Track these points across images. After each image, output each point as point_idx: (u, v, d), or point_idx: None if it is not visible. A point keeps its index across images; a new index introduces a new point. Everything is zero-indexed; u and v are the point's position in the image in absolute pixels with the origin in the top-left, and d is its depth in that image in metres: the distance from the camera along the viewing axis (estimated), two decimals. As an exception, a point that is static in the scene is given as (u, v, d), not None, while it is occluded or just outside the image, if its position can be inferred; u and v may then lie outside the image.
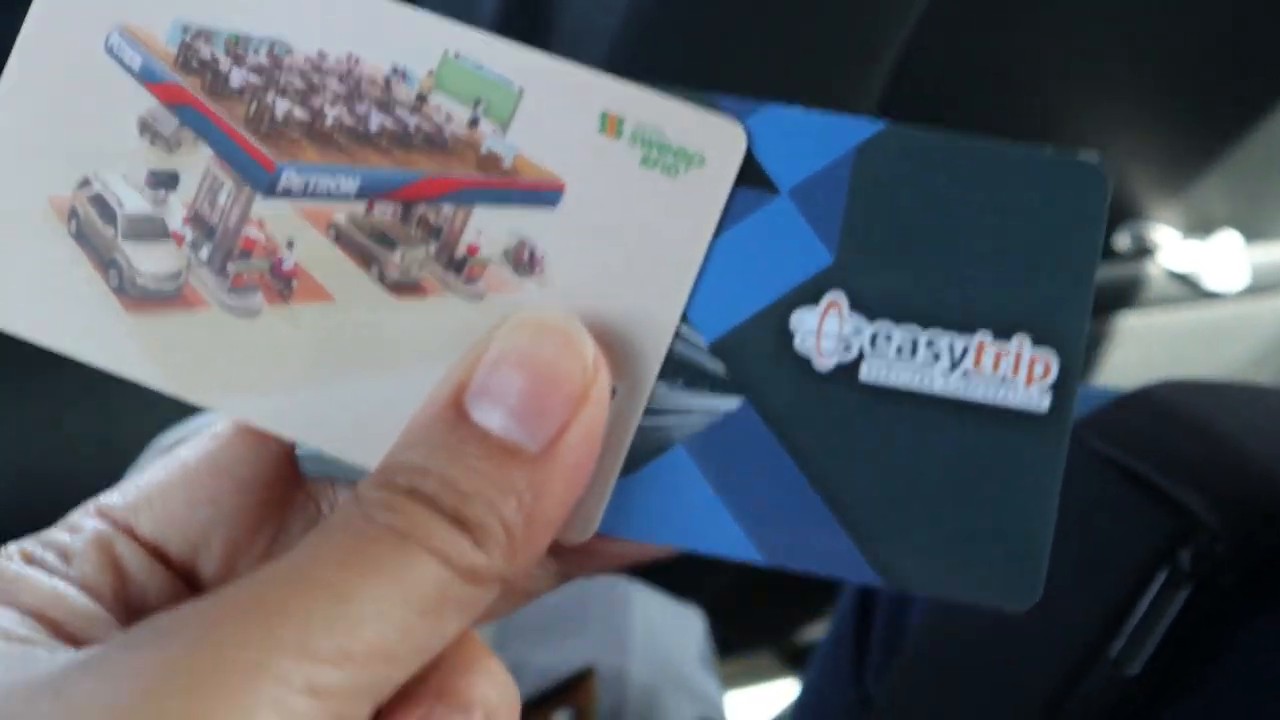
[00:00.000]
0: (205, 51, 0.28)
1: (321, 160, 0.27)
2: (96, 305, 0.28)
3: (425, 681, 0.24)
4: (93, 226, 0.28)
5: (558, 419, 0.25)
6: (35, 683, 0.22)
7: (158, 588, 0.27)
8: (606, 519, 0.27)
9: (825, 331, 0.27)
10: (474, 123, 0.27)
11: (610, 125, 0.27)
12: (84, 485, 0.70)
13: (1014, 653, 0.52)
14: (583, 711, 0.71)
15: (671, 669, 0.76)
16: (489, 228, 0.27)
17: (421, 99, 0.27)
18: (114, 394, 0.73)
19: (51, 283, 0.28)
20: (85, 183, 0.28)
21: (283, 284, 0.27)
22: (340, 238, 0.27)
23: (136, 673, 0.21)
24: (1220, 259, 1.14)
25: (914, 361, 0.27)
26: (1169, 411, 0.54)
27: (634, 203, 0.27)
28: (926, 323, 0.27)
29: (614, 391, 0.27)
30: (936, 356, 0.27)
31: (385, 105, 0.27)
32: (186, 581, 0.27)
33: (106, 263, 0.28)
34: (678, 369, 0.27)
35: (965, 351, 0.27)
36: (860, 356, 0.27)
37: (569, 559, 0.29)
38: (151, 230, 0.28)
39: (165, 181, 0.28)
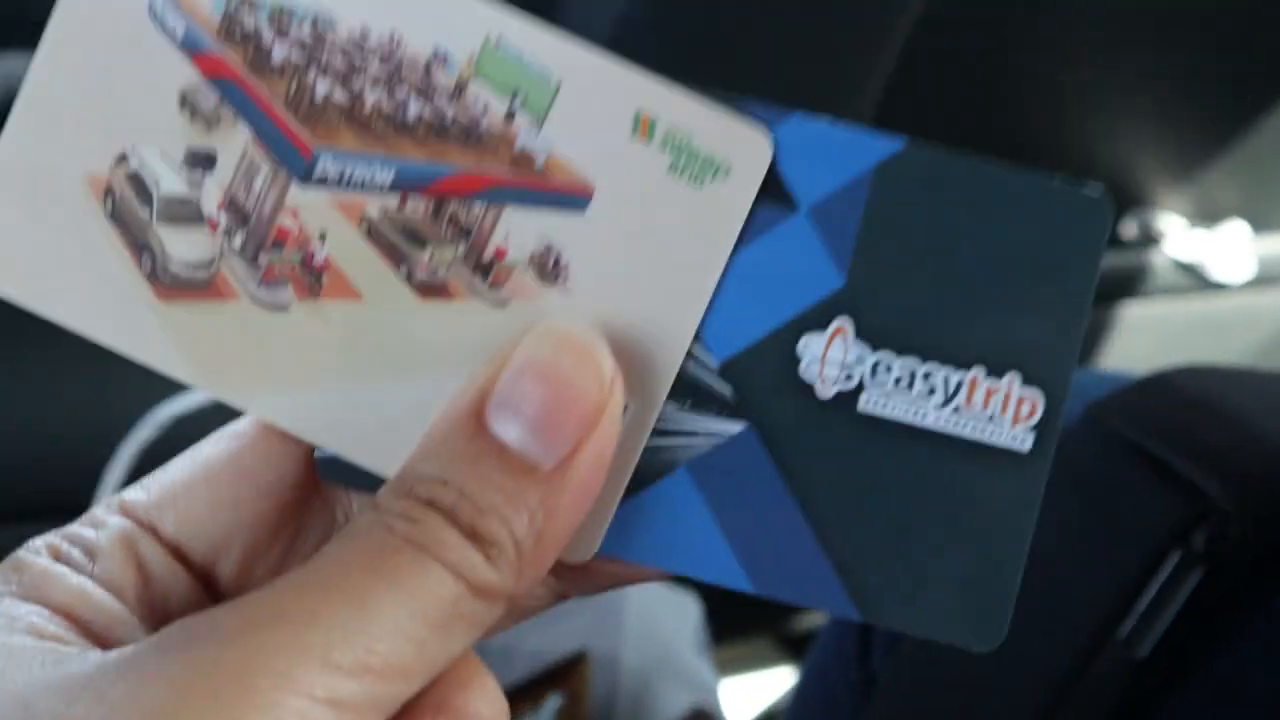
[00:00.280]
0: (249, 21, 0.27)
1: (358, 148, 0.27)
2: (127, 291, 0.27)
3: (425, 696, 0.24)
4: (129, 207, 0.27)
5: (573, 436, 0.25)
6: (72, 683, 0.22)
7: (178, 589, 0.27)
8: (607, 539, 0.27)
9: (829, 359, 0.27)
10: (510, 116, 0.27)
11: (643, 127, 0.27)
12: (81, 455, 0.70)
13: (1024, 633, 0.53)
14: (575, 695, 0.72)
15: (665, 654, 0.76)
16: (517, 230, 0.27)
17: (460, 87, 0.27)
18: (111, 365, 0.73)
19: (84, 265, 0.27)
20: (122, 158, 0.27)
21: (313, 278, 0.27)
22: (372, 232, 0.27)
23: (171, 677, 0.22)
24: (1227, 249, 1.14)
25: (910, 394, 0.27)
26: (1185, 394, 0.54)
27: (659, 212, 0.27)
28: (926, 355, 0.27)
29: (626, 409, 0.27)
30: (932, 390, 0.27)
31: (424, 92, 0.27)
32: (204, 584, 0.28)
33: (140, 246, 0.27)
34: (687, 389, 0.27)
35: (959, 387, 0.27)
36: (860, 386, 0.27)
37: (567, 577, 0.29)
38: (186, 214, 0.27)
39: (202, 161, 0.27)
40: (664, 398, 0.27)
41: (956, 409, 0.27)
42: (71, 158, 0.27)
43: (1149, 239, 1.11)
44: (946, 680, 0.55)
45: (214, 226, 0.27)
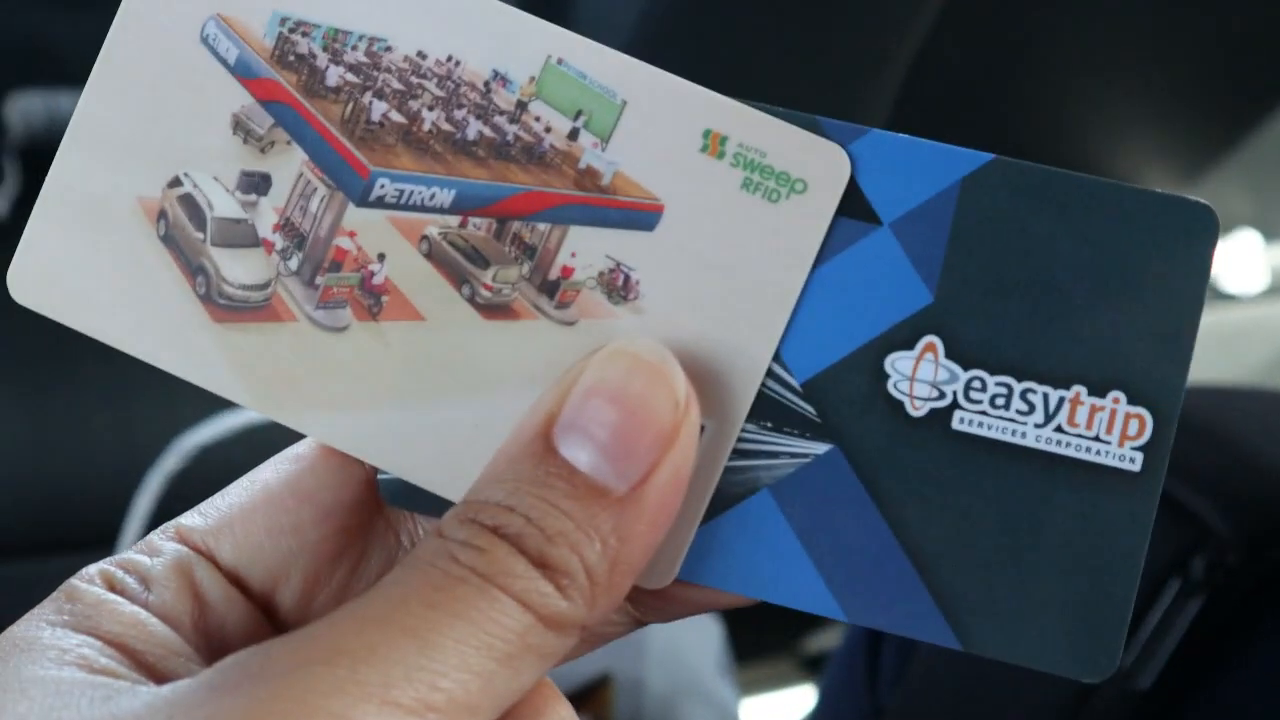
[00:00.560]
0: (303, 46, 0.27)
1: (417, 169, 0.27)
2: (182, 313, 0.27)
3: None
4: (182, 229, 0.27)
5: (647, 459, 0.24)
6: None
7: (236, 618, 0.26)
8: (687, 564, 0.26)
9: (919, 378, 0.26)
10: (574, 135, 0.26)
11: (713, 144, 0.26)
12: (109, 486, 0.70)
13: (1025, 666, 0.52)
14: (599, 719, 0.71)
15: (689, 678, 0.76)
16: (584, 249, 0.26)
17: (521, 106, 0.27)
18: (135, 394, 0.73)
19: (138, 288, 0.27)
20: (175, 182, 0.27)
21: (372, 299, 0.27)
22: (432, 253, 0.27)
23: (222, 716, 0.21)
24: (1239, 260, 1.14)
25: (1008, 411, 0.26)
26: (1182, 419, 0.54)
27: (733, 229, 0.26)
28: (1022, 374, 0.26)
29: (703, 430, 0.26)
30: (1031, 408, 0.26)
31: (484, 112, 0.27)
32: (264, 611, 0.27)
33: (194, 269, 0.27)
34: (767, 409, 0.26)
35: (1060, 404, 0.26)
36: (955, 404, 0.26)
37: (646, 604, 0.28)
38: (241, 236, 0.27)
39: (257, 185, 0.27)
40: (743, 418, 0.26)
41: (1059, 428, 0.26)
42: (123, 181, 0.27)
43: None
44: (952, 711, 0.55)
45: (270, 248, 0.27)
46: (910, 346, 0.26)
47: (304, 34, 0.27)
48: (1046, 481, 0.26)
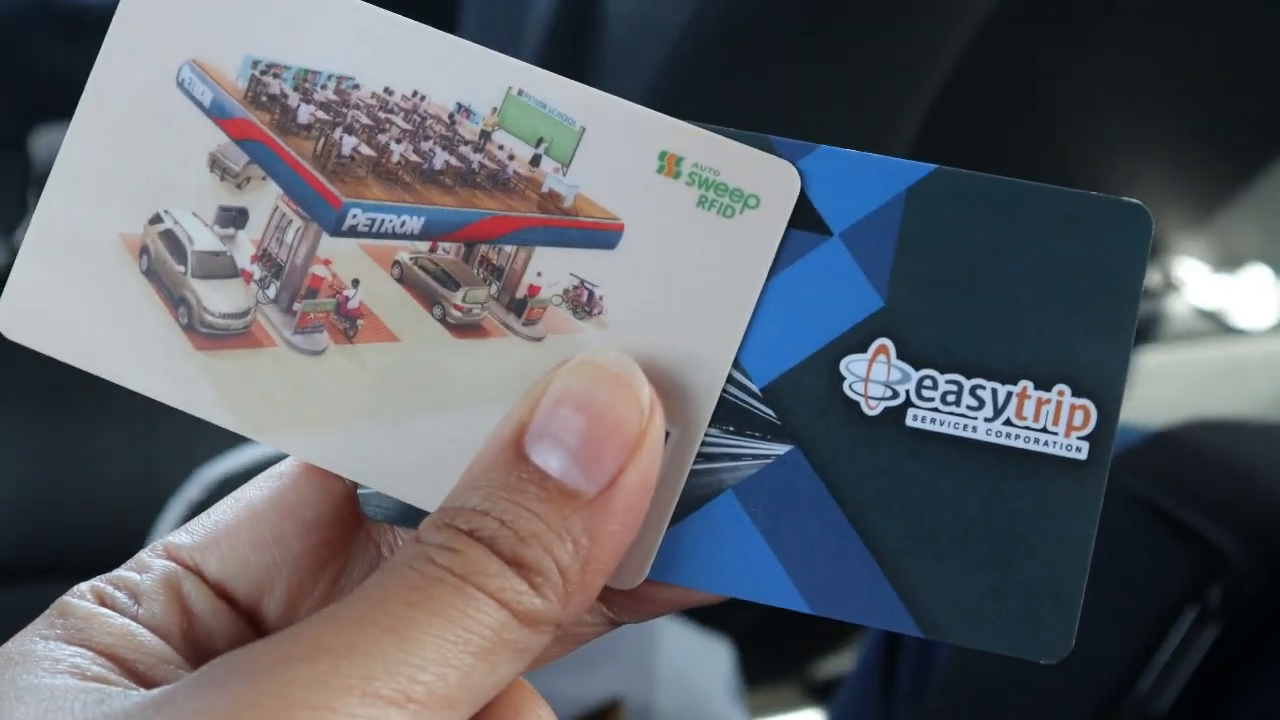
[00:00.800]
0: (275, 86, 0.28)
1: (387, 198, 0.28)
2: (166, 343, 0.28)
3: None
4: (163, 263, 0.28)
5: (614, 463, 0.25)
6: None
7: (224, 628, 0.27)
8: (657, 565, 0.27)
9: (873, 379, 0.27)
10: (536, 161, 0.28)
11: (669, 165, 0.28)
12: (128, 516, 0.71)
13: (1043, 689, 0.52)
14: (610, 744, 0.71)
15: (699, 702, 0.76)
16: (549, 268, 0.28)
17: (485, 136, 0.28)
18: (157, 426, 0.74)
19: (123, 320, 0.28)
20: (156, 219, 0.28)
21: (348, 323, 0.28)
22: (404, 277, 0.28)
23: (208, 711, 0.22)
24: (1249, 295, 1.14)
25: (958, 407, 0.27)
26: (1199, 451, 0.54)
27: (690, 244, 0.27)
28: (971, 372, 0.27)
29: (668, 435, 0.27)
30: (980, 403, 0.27)
31: (449, 142, 0.28)
32: (250, 622, 0.28)
33: (176, 300, 0.28)
34: (729, 414, 0.28)
35: (1009, 399, 0.27)
36: (907, 401, 0.27)
37: (618, 604, 0.29)
38: (221, 268, 0.28)
39: (235, 219, 0.28)
40: (706, 423, 0.27)
41: (1008, 421, 0.27)
42: (106, 219, 0.28)
43: (1170, 286, 1.11)
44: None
45: (248, 278, 0.28)
46: (864, 349, 0.27)
47: (275, 75, 0.28)
48: (998, 473, 0.27)
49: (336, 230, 0.28)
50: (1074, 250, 0.27)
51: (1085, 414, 0.27)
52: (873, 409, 0.27)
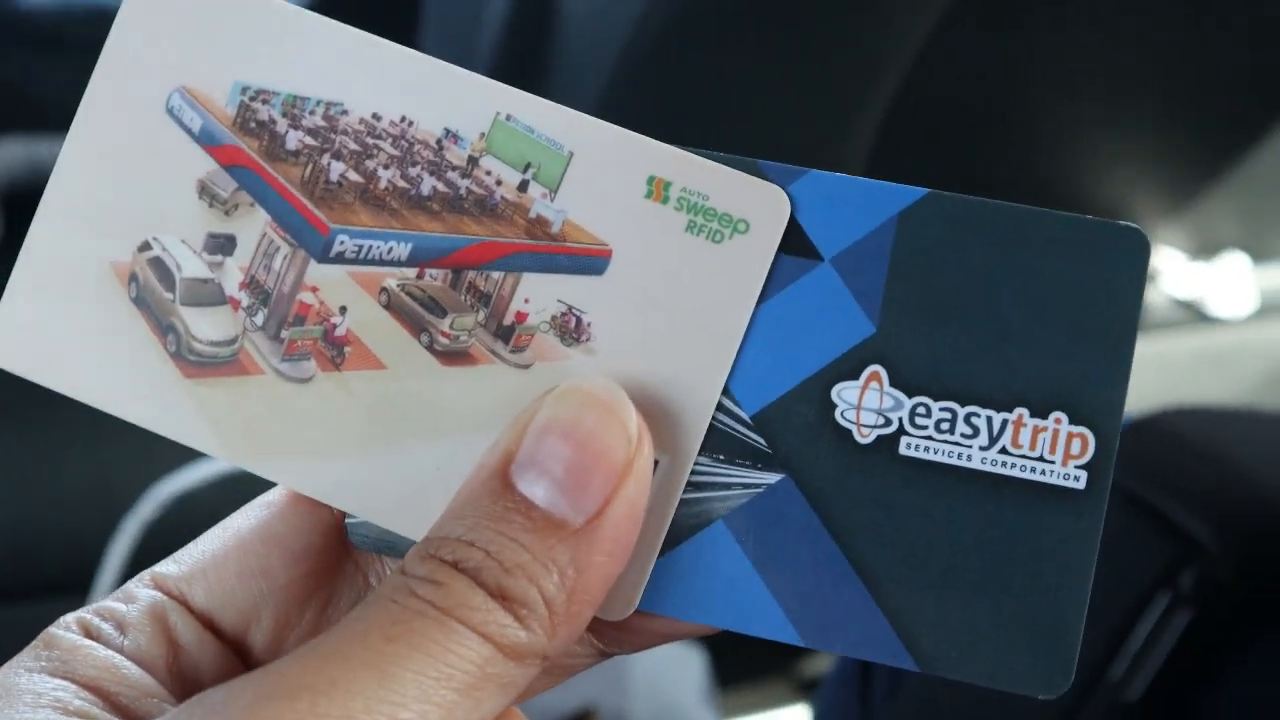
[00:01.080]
0: (263, 113, 0.28)
1: (374, 225, 0.28)
2: (154, 371, 0.28)
3: None
4: (152, 291, 0.28)
5: (601, 492, 0.25)
6: None
7: (210, 659, 0.27)
8: (647, 595, 0.27)
9: (865, 406, 0.27)
10: (523, 186, 0.28)
11: (657, 190, 0.27)
12: (83, 533, 0.71)
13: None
14: (583, 751, 0.71)
15: (672, 709, 0.76)
16: (537, 294, 0.28)
17: (473, 161, 0.28)
18: (111, 441, 0.73)
19: (112, 348, 0.28)
20: (145, 246, 0.28)
21: (335, 350, 0.28)
22: (392, 304, 0.28)
23: None
24: (1227, 283, 1.14)
25: (953, 435, 0.27)
26: (1174, 438, 0.55)
27: (679, 270, 0.27)
28: (965, 400, 0.27)
29: (657, 464, 0.27)
30: (975, 431, 0.27)
31: (437, 168, 0.28)
32: (237, 652, 0.28)
33: (164, 328, 0.28)
34: (719, 442, 0.27)
35: (1004, 427, 0.27)
36: (901, 430, 0.27)
37: (608, 635, 0.28)
38: (209, 295, 0.28)
39: (223, 246, 0.28)
40: (696, 451, 0.27)
41: (1003, 449, 0.27)
42: (95, 247, 0.28)
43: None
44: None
45: (236, 305, 0.28)
46: (855, 376, 0.27)
47: (264, 101, 0.28)
48: (994, 502, 0.27)
49: (324, 257, 0.28)
50: (1070, 274, 0.27)
51: (1083, 442, 0.27)
52: (865, 437, 0.27)
